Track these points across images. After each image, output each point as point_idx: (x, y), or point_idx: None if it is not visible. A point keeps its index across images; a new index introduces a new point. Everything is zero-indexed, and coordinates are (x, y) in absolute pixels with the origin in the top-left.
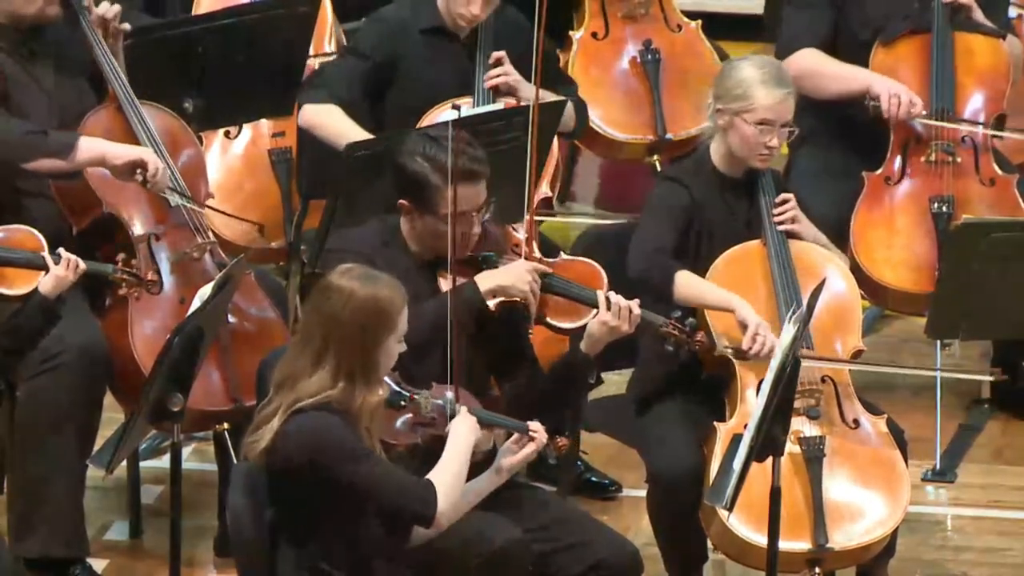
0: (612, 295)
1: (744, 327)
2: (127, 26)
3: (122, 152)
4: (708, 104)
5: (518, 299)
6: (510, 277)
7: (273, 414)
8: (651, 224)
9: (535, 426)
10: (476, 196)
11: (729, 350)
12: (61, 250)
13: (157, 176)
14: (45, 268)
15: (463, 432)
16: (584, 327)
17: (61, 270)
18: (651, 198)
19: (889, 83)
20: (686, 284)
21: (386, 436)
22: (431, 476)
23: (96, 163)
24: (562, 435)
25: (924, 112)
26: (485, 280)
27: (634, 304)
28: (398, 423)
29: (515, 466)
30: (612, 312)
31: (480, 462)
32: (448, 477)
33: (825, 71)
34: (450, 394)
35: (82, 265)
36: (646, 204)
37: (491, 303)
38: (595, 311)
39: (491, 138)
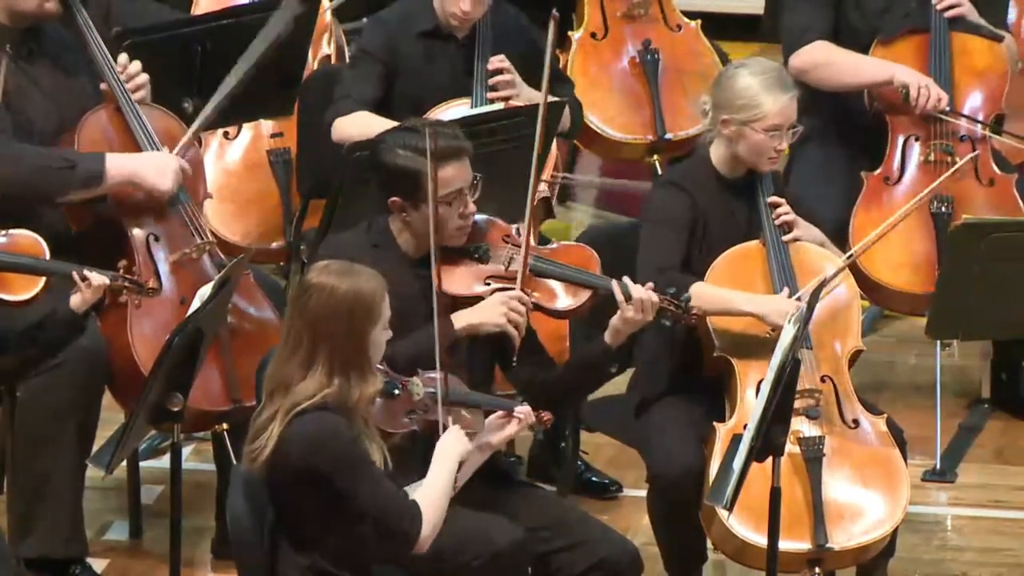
0: (632, 286)
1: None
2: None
3: (152, 178)
4: (703, 109)
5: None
6: (483, 314)
7: (270, 420)
8: (654, 240)
9: (522, 408)
10: (464, 173)
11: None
12: (87, 273)
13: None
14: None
15: (449, 450)
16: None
17: (90, 294)
18: (650, 207)
19: (916, 74)
20: (703, 296)
21: (383, 426)
22: (417, 497)
23: (126, 185)
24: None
25: (948, 108)
26: (460, 319)
27: (652, 295)
28: (393, 412)
29: (500, 443)
30: (634, 307)
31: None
32: (433, 499)
33: (843, 61)
34: (435, 375)
35: (107, 281)
36: (646, 213)
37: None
38: (589, 292)
39: (491, 138)
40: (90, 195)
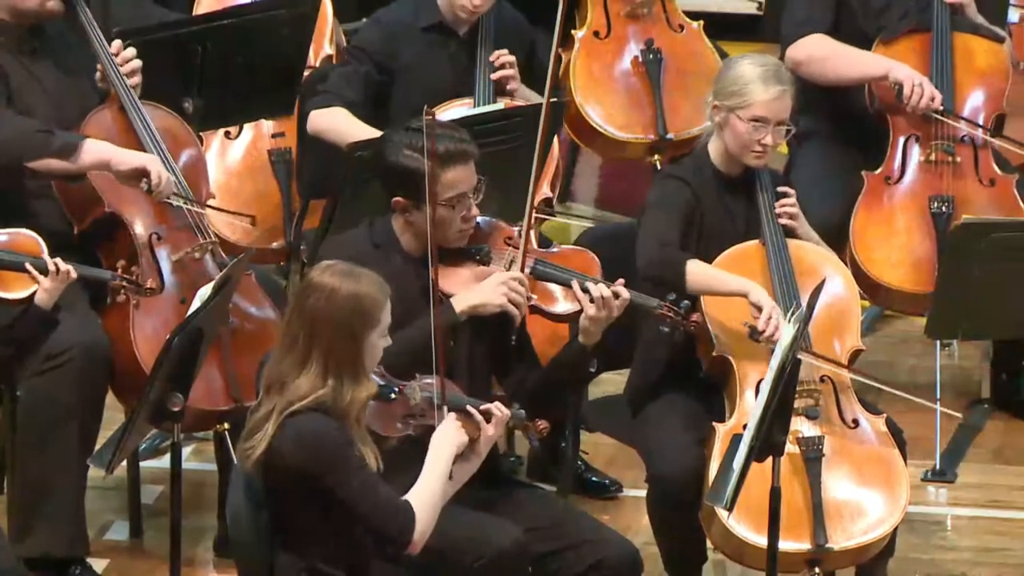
0: (590, 285)
1: (759, 310)
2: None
3: (127, 159)
4: (707, 101)
5: (499, 312)
6: (483, 294)
7: (265, 419)
8: (655, 219)
9: (499, 406)
10: (469, 177)
11: (747, 326)
12: (57, 260)
13: (160, 185)
14: (41, 273)
15: (443, 444)
16: (578, 313)
17: (49, 282)
18: (652, 195)
19: (911, 71)
20: (697, 273)
21: (378, 429)
22: (410, 497)
23: (101, 167)
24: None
25: (941, 108)
26: (460, 301)
27: (620, 288)
28: (389, 416)
29: (486, 444)
30: (595, 305)
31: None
32: (427, 499)
33: (841, 54)
34: (431, 380)
35: (73, 273)
36: (648, 201)
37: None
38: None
39: (492, 138)
40: (62, 168)
